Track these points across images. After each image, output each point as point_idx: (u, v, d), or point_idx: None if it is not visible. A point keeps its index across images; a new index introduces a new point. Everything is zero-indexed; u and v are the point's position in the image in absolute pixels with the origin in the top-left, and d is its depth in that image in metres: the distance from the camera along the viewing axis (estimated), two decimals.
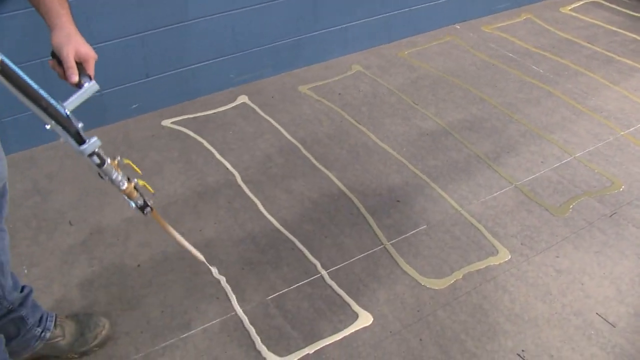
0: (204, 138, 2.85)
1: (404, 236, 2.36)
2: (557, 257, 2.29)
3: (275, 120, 2.98)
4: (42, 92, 1.20)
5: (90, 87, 1.34)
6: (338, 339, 1.99)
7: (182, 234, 2.31)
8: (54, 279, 2.18)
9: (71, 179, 2.61)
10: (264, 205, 2.48)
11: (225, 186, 2.58)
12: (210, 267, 2.21)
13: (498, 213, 2.48)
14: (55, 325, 1.87)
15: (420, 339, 1.99)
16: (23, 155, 2.72)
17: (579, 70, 3.46)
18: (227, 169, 2.67)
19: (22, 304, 1.75)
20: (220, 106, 3.08)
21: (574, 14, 4.16)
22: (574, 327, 2.03)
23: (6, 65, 1.12)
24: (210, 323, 2.03)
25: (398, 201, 2.52)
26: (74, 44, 1.37)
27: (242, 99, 3.13)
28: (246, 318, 2.04)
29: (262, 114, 3.02)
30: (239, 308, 2.07)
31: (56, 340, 1.86)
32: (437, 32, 3.84)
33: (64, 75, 1.36)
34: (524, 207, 2.51)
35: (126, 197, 1.51)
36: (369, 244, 2.33)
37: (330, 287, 2.15)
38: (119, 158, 1.43)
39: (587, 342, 1.98)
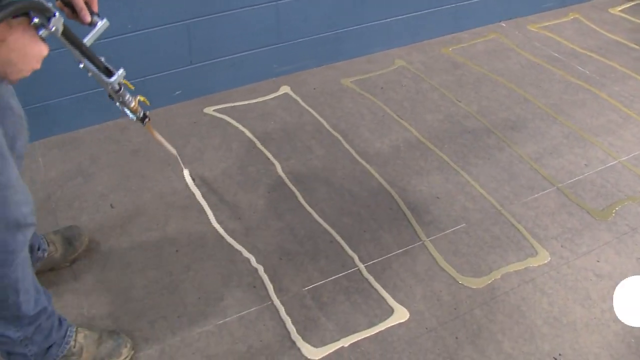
0: (245, 127, 2.86)
1: (443, 233, 2.35)
2: (598, 261, 2.26)
3: (317, 112, 2.98)
4: (82, 40, 1.44)
5: (103, 24, 1.50)
6: (373, 333, 1.98)
7: (220, 222, 2.36)
8: (94, 259, 2.21)
9: (113, 163, 2.64)
10: (303, 197, 2.49)
11: (265, 176, 2.58)
12: (248, 255, 2.23)
13: (539, 214, 2.45)
14: (47, 244, 2.09)
15: (456, 337, 1.98)
16: (67, 137, 2.76)
17: (627, 73, 3.39)
18: (268, 158, 2.68)
19: None
20: (262, 96, 3.09)
21: (623, 15, 4.08)
22: (613, 333, 2.00)
23: (65, 25, 1.31)
24: (247, 311, 2.04)
25: (438, 198, 2.51)
26: None
27: (285, 89, 3.14)
28: (282, 308, 2.04)
29: (304, 105, 3.02)
30: (275, 298, 2.08)
31: (51, 254, 2.10)
32: (482, 30, 3.79)
33: (73, 16, 1.49)
34: (566, 210, 2.48)
35: (129, 112, 1.76)
36: (408, 239, 2.32)
37: (367, 281, 2.15)
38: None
39: (627, 349, 1.95)
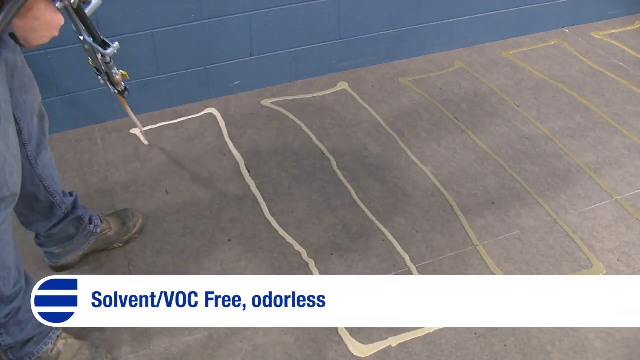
0: (302, 121, 2.87)
1: (496, 239, 2.32)
2: None
3: (374, 109, 2.97)
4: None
5: (96, 2, 1.54)
6: (422, 334, 1.98)
7: (274, 214, 2.37)
8: (147, 244, 2.25)
9: (169, 149, 2.68)
10: (357, 194, 2.49)
11: (320, 171, 2.59)
12: (299, 249, 2.24)
13: (595, 226, 2.41)
14: (101, 221, 2.16)
15: (505, 345, 1.96)
16: (127, 122, 2.79)
17: None
18: (323, 153, 2.68)
19: (75, 206, 2.02)
20: (320, 91, 3.09)
21: None
22: None
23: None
24: None
25: (493, 203, 2.48)
26: None
27: (342, 85, 3.14)
28: None
29: (361, 102, 3.02)
30: None
31: (105, 232, 2.16)
32: (544, 35, 3.73)
33: None
34: (624, 223, 2.43)
35: (111, 85, 1.87)
36: (460, 243, 2.30)
37: None
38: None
39: None
